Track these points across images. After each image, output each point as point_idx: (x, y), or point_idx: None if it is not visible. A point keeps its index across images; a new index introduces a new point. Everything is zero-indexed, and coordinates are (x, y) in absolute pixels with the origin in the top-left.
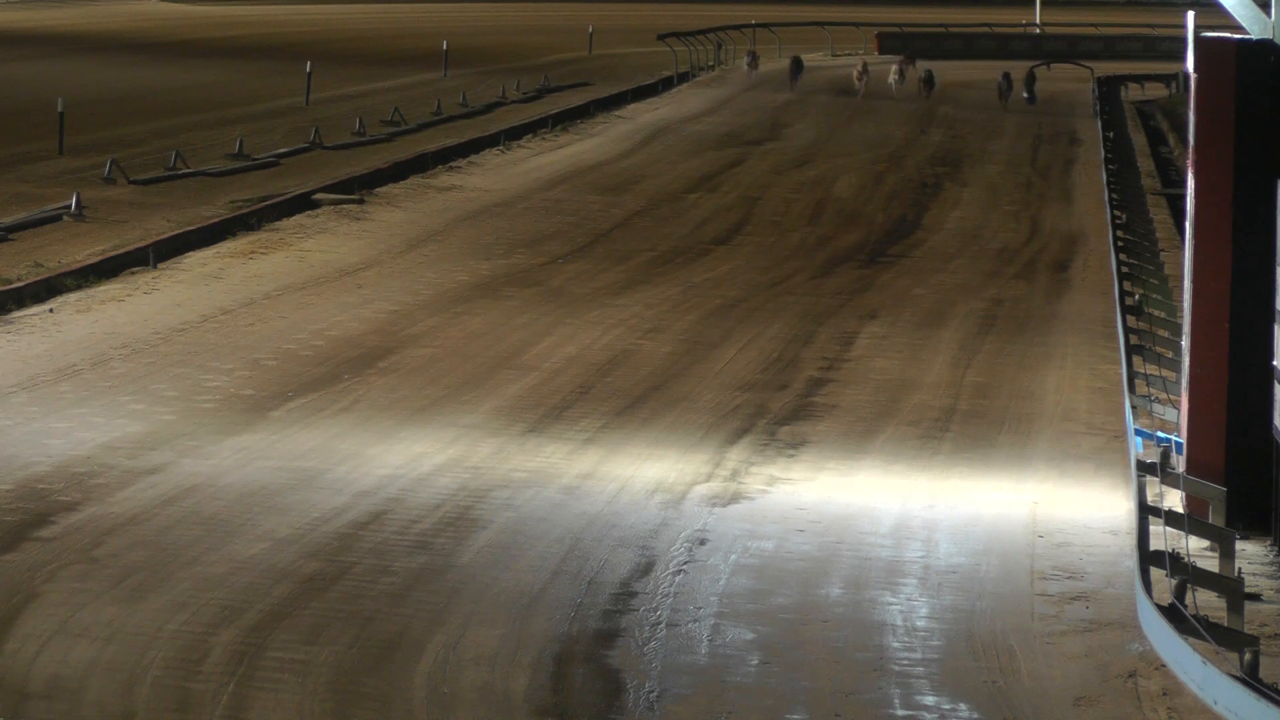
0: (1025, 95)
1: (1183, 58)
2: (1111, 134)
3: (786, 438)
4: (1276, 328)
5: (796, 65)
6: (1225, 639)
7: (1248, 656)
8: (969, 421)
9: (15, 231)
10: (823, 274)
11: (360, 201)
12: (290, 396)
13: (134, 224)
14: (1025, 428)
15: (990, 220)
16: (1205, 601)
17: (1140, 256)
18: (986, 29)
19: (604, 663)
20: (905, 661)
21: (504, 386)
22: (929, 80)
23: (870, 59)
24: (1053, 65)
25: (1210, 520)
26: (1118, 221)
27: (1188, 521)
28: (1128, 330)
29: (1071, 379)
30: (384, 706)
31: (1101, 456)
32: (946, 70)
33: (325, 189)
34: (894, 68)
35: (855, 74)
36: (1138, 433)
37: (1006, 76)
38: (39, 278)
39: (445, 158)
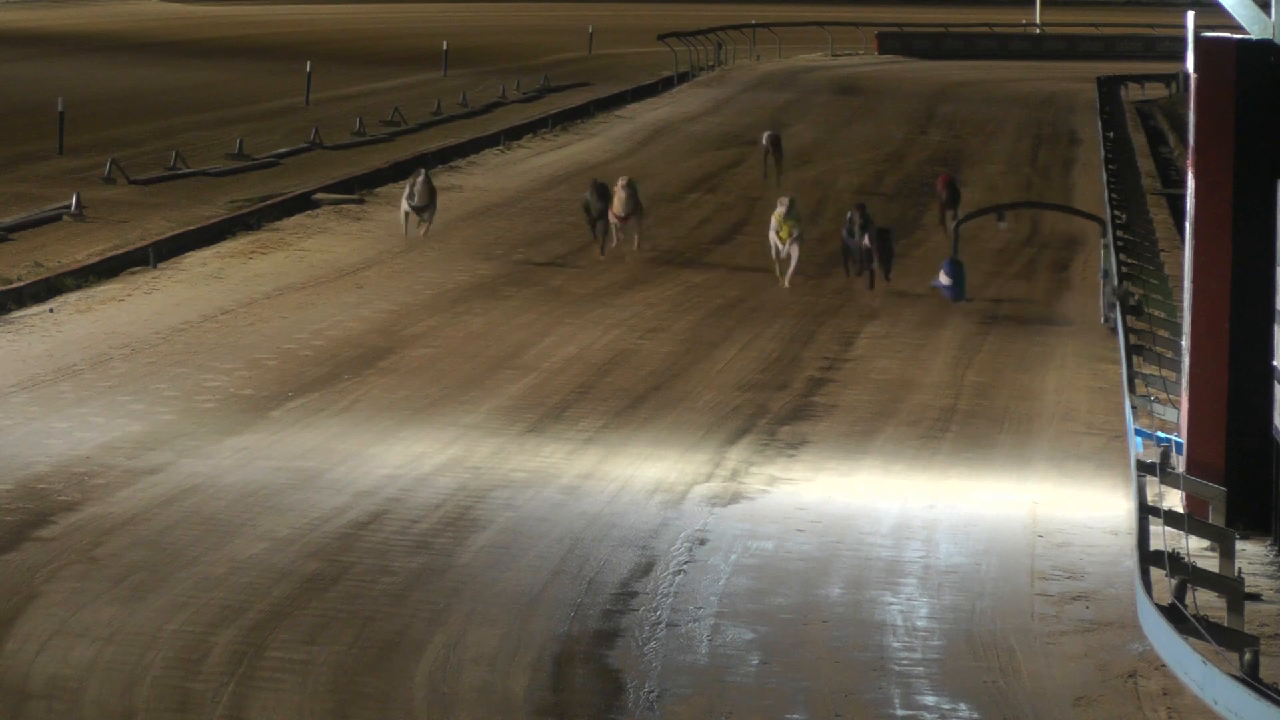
0: (944, 285)
1: (1183, 58)
2: (1112, 134)
3: (786, 438)
4: (1276, 328)
5: (600, 190)
6: (1225, 639)
7: (1248, 656)
8: (969, 421)
9: (15, 231)
10: (823, 274)
11: (360, 201)
12: (290, 396)
13: (134, 224)
14: (1025, 428)
15: (990, 220)
16: (1205, 601)
17: (1140, 256)
18: (986, 29)
19: (604, 663)
20: (905, 661)
21: (504, 386)
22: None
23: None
24: (1004, 216)
25: (1210, 520)
26: (1118, 221)
27: (1188, 521)
28: (1128, 330)
29: (1071, 379)
30: (384, 706)
31: (1101, 456)
32: (946, 70)
33: (325, 189)
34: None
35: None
36: (1138, 433)
37: (882, 235)
38: (39, 278)
39: (445, 158)
